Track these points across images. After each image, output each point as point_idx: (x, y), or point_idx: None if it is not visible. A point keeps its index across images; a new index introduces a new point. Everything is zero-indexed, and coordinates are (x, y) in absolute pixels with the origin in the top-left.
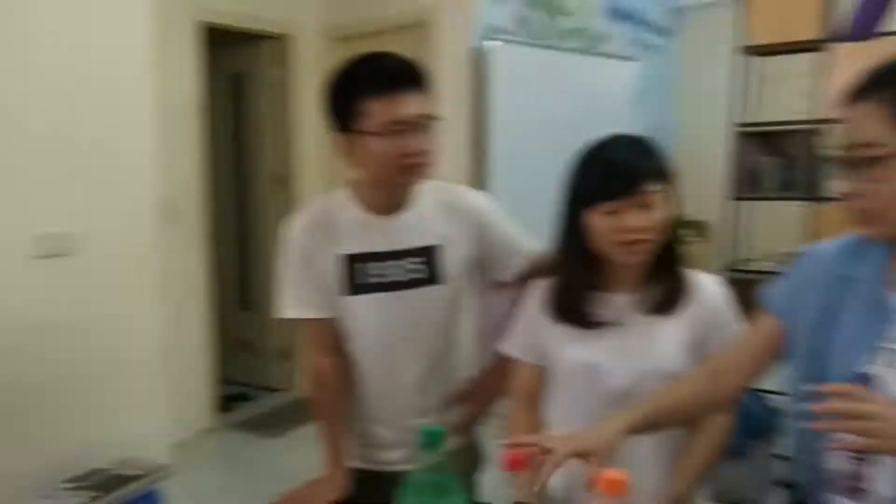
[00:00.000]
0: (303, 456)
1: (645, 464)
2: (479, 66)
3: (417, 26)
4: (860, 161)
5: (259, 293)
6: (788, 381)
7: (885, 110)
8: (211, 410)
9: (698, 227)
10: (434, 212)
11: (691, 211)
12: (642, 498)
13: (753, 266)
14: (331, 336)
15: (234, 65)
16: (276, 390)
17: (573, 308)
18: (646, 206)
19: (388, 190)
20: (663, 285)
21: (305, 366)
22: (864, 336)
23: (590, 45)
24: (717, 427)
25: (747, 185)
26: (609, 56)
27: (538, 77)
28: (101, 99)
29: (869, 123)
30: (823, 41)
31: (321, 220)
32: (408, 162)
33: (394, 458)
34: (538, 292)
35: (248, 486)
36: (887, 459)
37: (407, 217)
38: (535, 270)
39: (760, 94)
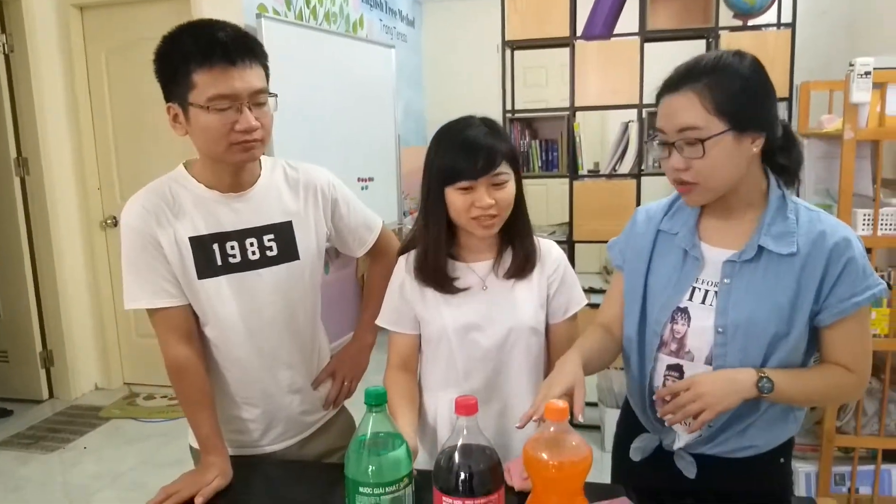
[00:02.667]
0: (89, 468)
1: (522, 397)
2: None
3: None
4: (682, 142)
5: (8, 294)
6: (626, 316)
7: (704, 98)
8: None
9: None
10: (283, 188)
11: None
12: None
13: None
14: (185, 323)
15: None
16: (39, 401)
17: (438, 275)
18: (497, 185)
19: (225, 167)
20: (516, 252)
21: (164, 357)
22: (679, 277)
23: (348, 29)
24: None
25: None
26: (369, 42)
27: (307, 58)
28: None
29: (691, 109)
30: (571, 38)
31: (160, 201)
32: (236, 140)
33: (267, 439)
34: (405, 264)
35: None
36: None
37: (255, 194)
38: (393, 245)
39: (523, 83)
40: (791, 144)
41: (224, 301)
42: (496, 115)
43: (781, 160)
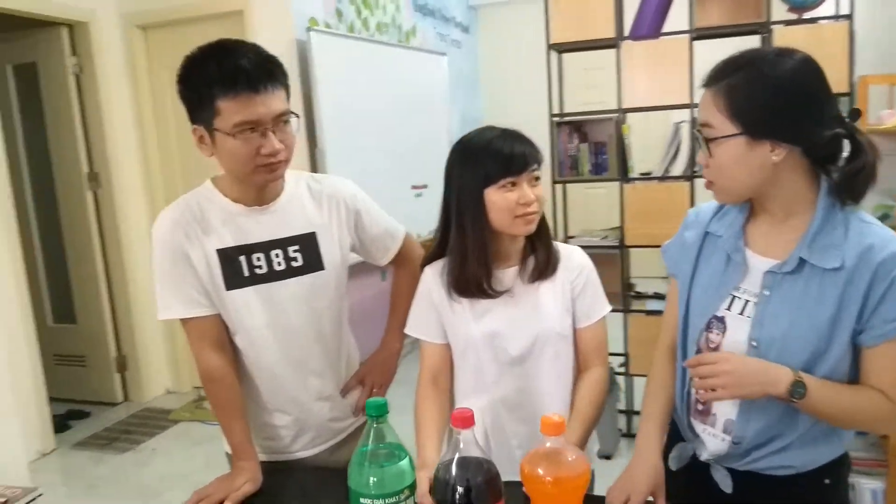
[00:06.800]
0: (158, 468)
1: (552, 402)
2: (303, 58)
3: (230, 15)
4: (704, 138)
5: (84, 302)
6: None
7: (718, 99)
8: (45, 432)
9: None
10: (306, 200)
11: None
12: None
13: (576, 242)
14: (216, 332)
15: (18, 55)
16: (114, 404)
17: (477, 282)
18: (535, 182)
19: (250, 185)
20: (539, 256)
21: (198, 366)
22: (719, 284)
23: (400, 38)
24: (597, 379)
25: (567, 170)
26: (420, 50)
27: (358, 69)
28: None
29: (707, 108)
30: (618, 39)
31: (189, 216)
32: (262, 162)
33: (297, 445)
34: (431, 274)
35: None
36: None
37: (280, 206)
38: (417, 252)
39: (568, 87)
40: (855, 154)
41: (252, 311)
42: (544, 119)
43: (833, 171)
